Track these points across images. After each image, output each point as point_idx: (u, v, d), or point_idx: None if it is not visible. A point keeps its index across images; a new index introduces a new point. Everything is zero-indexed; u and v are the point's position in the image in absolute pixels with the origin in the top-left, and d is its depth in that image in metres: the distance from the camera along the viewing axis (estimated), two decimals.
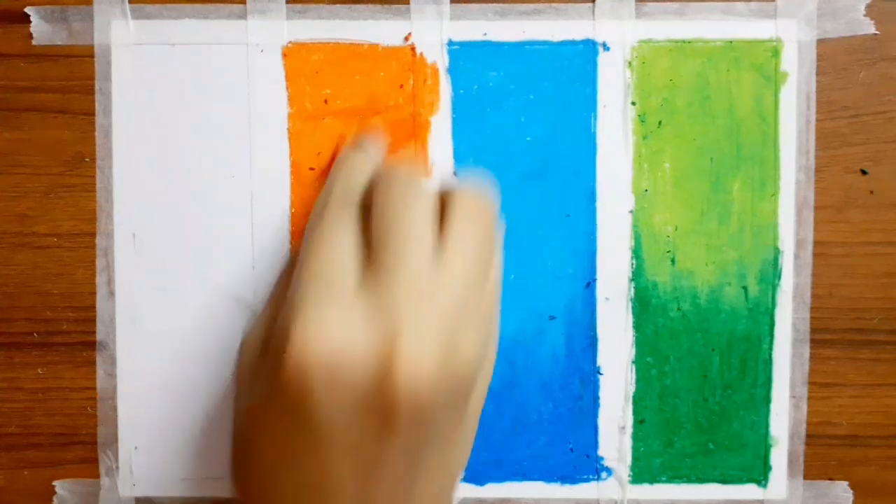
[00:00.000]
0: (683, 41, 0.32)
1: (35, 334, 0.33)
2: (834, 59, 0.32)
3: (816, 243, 0.32)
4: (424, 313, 0.22)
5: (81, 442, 0.33)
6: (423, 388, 0.21)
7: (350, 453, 0.22)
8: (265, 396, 0.23)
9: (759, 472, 0.32)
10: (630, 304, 0.32)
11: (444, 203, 0.25)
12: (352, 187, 0.26)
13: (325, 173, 0.32)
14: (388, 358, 0.21)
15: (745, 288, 0.32)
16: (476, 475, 0.33)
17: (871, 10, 0.31)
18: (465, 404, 0.24)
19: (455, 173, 0.32)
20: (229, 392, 0.32)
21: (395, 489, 0.22)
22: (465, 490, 0.33)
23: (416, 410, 0.21)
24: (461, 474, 0.26)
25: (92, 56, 0.32)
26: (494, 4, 0.32)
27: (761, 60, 0.32)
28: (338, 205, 0.25)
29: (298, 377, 0.21)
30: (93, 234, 0.32)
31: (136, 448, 0.33)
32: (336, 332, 0.21)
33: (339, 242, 0.24)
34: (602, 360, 0.32)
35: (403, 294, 0.22)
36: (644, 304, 0.32)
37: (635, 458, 0.33)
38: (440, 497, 0.25)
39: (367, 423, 0.21)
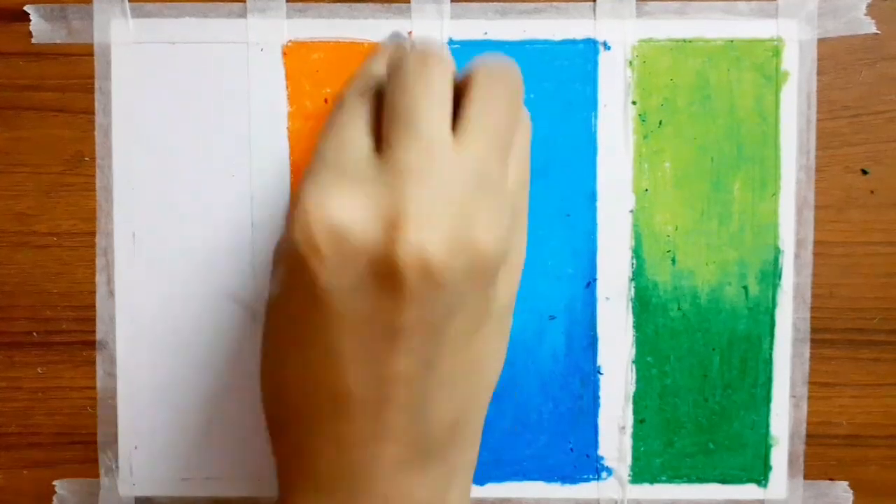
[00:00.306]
0: (684, 40, 0.32)
1: (35, 334, 0.33)
2: (835, 58, 0.32)
3: (817, 243, 0.32)
4: (434, 188, 0.21)
5: (81, 442, 0.33)
6: (431, 259, 0.20)
7: (360, 326, 0.21)
8: (280, 280, 0.22)
9: (759, 472, 0.32)
10: (630, 304, 0.32)
11: (465, 83, 0.24)
12: (371, 75, 0.25)
13: None
14: (395, 228, 0.20)
15: (745, 288, 0.32)
16: (476, 475, 0.33)
17: (871, 10, 0.31)
18: (488, 292, 0.23)
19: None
20: (229, 392, 0.32)
21: (415, 369, 0.21)
22: None
23: (426, 281, 0.20)
24: (492, 386, 0.25)
25: (91, 55, 0.32)
26: (495, 3, 0.32)
27: (762, 60, 0.32)
28: (356, 91, 0.24)
29: (304, 246, 0.20)
30: (92, 234, 0.32)
31: (135, 448, 0.33)
32: (344, 202, 0.20)
33: (352, 124, 0.23)
34: (602, 359, 0.32)
35: (413, 168, 0.21)
36: (644, 303, 0.32)
37: (635, 458, 0.33)
38: (468, 402, 0.23)
39: (375, 293, 0.20)
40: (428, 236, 0.20)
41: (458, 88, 0.24)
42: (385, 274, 0.20)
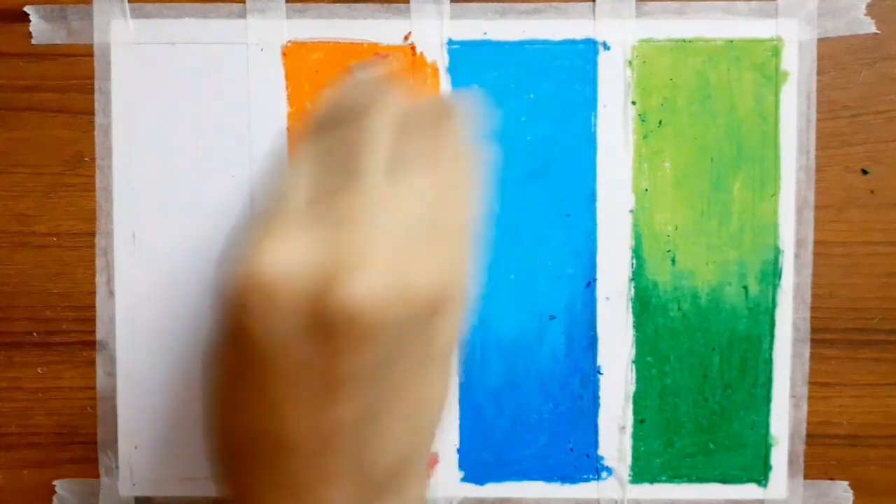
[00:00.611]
0: (684, 40, 0.32)
1: (35, 334, 0.33)
2: (834, 58, 0.32)
3: (817, 243, 0.32)
4: (367, 234, 0.20)
5: (81, 442, 0.33)
6: (369, 301, 0.19)
7: (298, 380, 0.20)
8: (213, 331, 0.22)
9: (759, 472, 0.32)
10: (630, 304, 0.32)
11: (406, 119, 0.23)
12: (325, 112, 0.25)
13: None
14: (326, 277, 0.19)
15: (745, 287, 0.32)
16: (476, 475, 0.33)
17: (871, 10, 0.31)
18: (429, 335, 0.22)
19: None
20: None
21: (356, 415, 0.21)
22: (465, 490, 0.33)
23: (361, 332, 0.20)
24: (439, 421, 0.24)
25: (91, 55, 0.32)
26: (494, 4, 0.32)
27: (762, 60, 0.32)
28: (308, 131, 0.24)
29: (234, 300, 0.20)
30: (92, 234, 0.32)
31: (135, 448, 0.33)
32: (273, 255, 0.20)
33: (297, 164, 0.22)
34: (602, 359, 0.32)
35: (349, 206, 0.20)
36: (644, 303, 0.32)
37: (635, 458, 0.33)
38: (414, 439, 0.23)
39: (310, 344, 0.20)
40: (361, 288, 0.19)
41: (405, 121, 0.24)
42: (318, 325, 0.20)
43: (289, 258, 0.20)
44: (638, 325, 0.32)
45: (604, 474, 0.33)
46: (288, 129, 0.32)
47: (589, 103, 0.32)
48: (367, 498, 0.22)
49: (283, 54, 0.32)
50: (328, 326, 0.20)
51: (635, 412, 0.32)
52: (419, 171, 0.22)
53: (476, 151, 0.25)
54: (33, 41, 0.32)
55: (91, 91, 0.32)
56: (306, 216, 0.21)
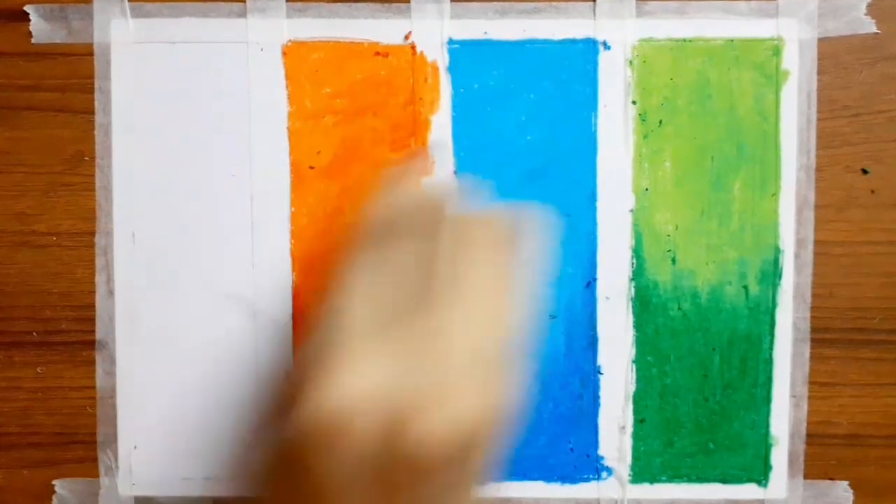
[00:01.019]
0: (684, 40, 0.32)
1: (34, 333, 0.33)
2: (835, 57, 0.32)
3: (817, 243, 0.32)
4: (440, 362, 0.21)
5: (81, 441, 0.33)
6: (436, 442, 0.20)
7: None
8: (279, 450, 0.23)
9: (759, 472, 0.32)
10: (630, 304, 0.32)
11: (463, 231, 0.24)
12: (378, 230, 0.25)
13: (325, 172, 0.32)
14: (401, 413, 0.20)
15: (745, 287, 0.32)
16: None
17: (872, 9, 0.31)
18: (473, 459, 0.23)
19: (455, 172, 0.32)
20: (229, 391, 0.32)
21: None
22: None
23: (428, 465, 0.21)
24: None
25: (91, 55, 0.32)
26: (495, 3, 0.32)
27: (762, 59, 0.32)
28: (364, 249, 0.24)
29: (306, 437, 0.21)
30: (92, 233, 0.32)
31: (135, 447, 0.33)
32: (348, 387, 0.21)
33: (354, 284, 0.23)
34: (602, 359, 0.32)
35: (420, 336, 0.21)
36: (644, 303, 0.32)
37: (635, 458, 0.33)
38: None
39: (374, 481, 0.21)
40: (430, 427, 0.20)
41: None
42: (386, 464, 0.20)
43: (361, 395, 0.21)
44: (638, 325, 0.32)
45: (604, 474, 0.33)
46: (288, 129, 0.32)
47: (589, 103, 0.32)
48: None
49: (284, 54, 0.32)
50: (395, 466, 0.20)
51: (635, 412, 0.32)
52: (481, 295, 0.22)
53: (528, 270, 0.25)
54: (33, 40, 0.32)
55: (91, 90, 0.32)
56: (374, 345, 0.22)
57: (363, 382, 0.21)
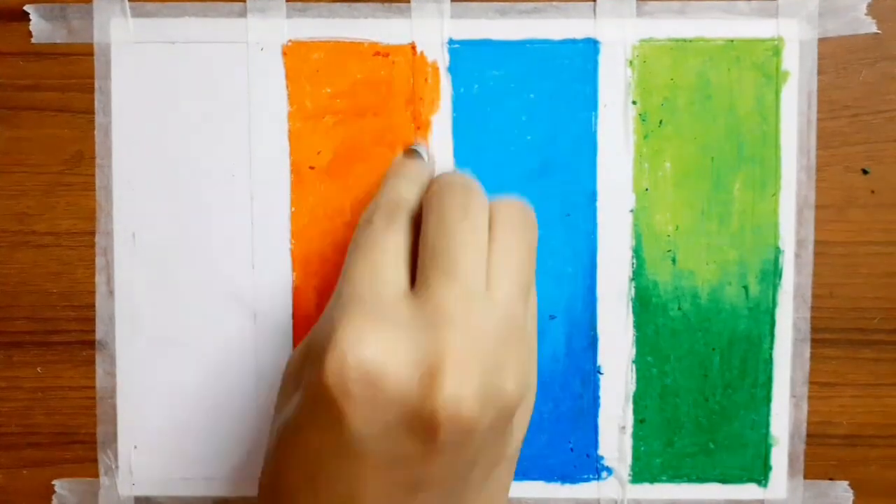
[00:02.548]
0: (684, 40, 0.32)
1: (35, 333, 0.33)
2: (835, 58, 0.32)
3: (817, 243, 0.32)
4: (471, 337, 0.21)
5: (81, 441, 0.33)
6: (466, 413, 0.20)
7: (386, 472, 0.21)
8: (300, 411, 0.22)
9: (759, 472, 0.32)
10: (630, 304, 0.32)
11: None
12: (402, 195, 0.25)
13: (325, 172, 0.32)
14: (433, 378, 0.20)
15: (745, 287, 0.32)
16: None
17: (872, 9, 0.31)
18: (508, 432, 0.23)
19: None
20: (229, 391, 0.32)
21: None
22: None
23: (459, 434, 0.20)
24: (506, 502, 0.25)
25: (91, 54, 0.32)
26: (495, 3, 0.32)
27: (762, 59, 0.32)
28: (387, 212, 0.24)
29: (336, 388, 0.20)
30: (92, 233, 0.32)
31: (135, 447, 0.33)
32: (379, 345, 0.20)
33: (386, 250, 0.22)
34: (602, 359, 0.32)
35: (452, 316, 0.21)
36: (644, 303, 0.32)
37: (635, 458, 0.33)
38: None
39: (405, 442, 0.20)
40: (464, 390, 0.20)
41: None
42: (419, 426, 0.20)
43: (393, 354, 0.20)
44: (638, 325, 0.32)
45: (604, 474, 0.33)
46: (288, 129, 0.32)
47: (589, 103, 0.32)
48: None
49: (284, 54, 0.32)
50: (429, 428, 0.20)
51: (635, 412, 0.32)
52: (506, 274, 0.22)
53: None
54: (33, 40, 0.32)
55: (91, 90, 0.32)
56: (406, 309, 0.21)
57: (394, 340, 0.20)
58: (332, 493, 0.21)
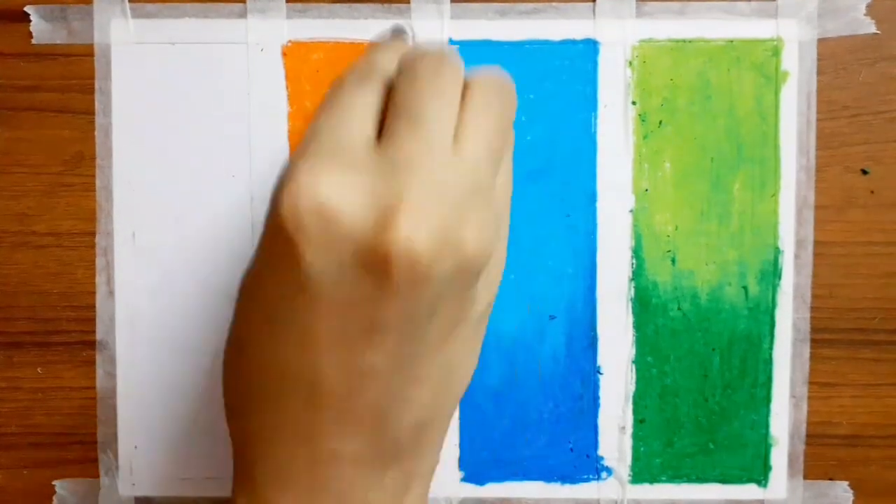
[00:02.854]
0: (684, 41, 0.32)
1: (35, 333, 0.33)
2: (834, 58, 0.32)
3: (817, 243, 0.32)
4: (431, 185, 0.20)
5: (81, 441, 0.33)
6: (421, 254, 0.19)
7: (341, 313, 0.20)
8: (258, 254, 0.22)
9: (759, 472, 0.32)
10: (630, 304, 0.32)
11: (463, 87, 0.23)
12: (377, 65, 0.24)
13: None
14: (388, 218, 0.19)
15: (745, 288, 0.32)
16: (476, 475, 0.33)
17: (871, 10, 0.31)
18: (469, 294, 0.23)
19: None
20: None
21: (389, 364, 0.21)
22: (465, 490, 0.33)
23: (413, 275, 0.20)
24: (462, 391, 0.24)
25: (92, 55, 0.32)
26: (495, 3, 0.32)
27: (762, 60, 0.32)
28: (361, 74, 0.23)
29: (291, 223, 0.20)
30: (92, 234, 0.32)
31: (135, 448, 0.33)
32: (337, 185, 0.20)
33: (354, 109, 0.22)
34: (602, 359, 0.32)
35: (413, 162, 0.20)
36: (644, 303, 0.32)
37: (635, 458, 0.33)
38: (437, 404, 0.23)
39: (360, 282, 0.20)
40: (419, 231, 0.20)
41: None
42: (372, 264, 0.20)
43: (350, 193, 0.20)
44: (638, 325, 0.32)
45: (604, 474, 0.33)
46: (288, 129, 0.32)
47: (589, 103, 0.32)
48: (379, 458, 0.22)
49: (284, 54, 0.32)
50: (382, 266, 0.20)
51: (635, 412, 0.32)
52: (476, 136, 0.22)
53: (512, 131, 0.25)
54: (33, 41, 0.32)
55: (91, 91, 0.32)
56: (367, 156, 0.21)
57: (353, 180, 0.20)
58: (289, 336, 0.21)
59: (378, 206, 0.20)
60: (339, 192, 0.20)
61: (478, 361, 0.25)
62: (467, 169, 0.22)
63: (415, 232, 0.19)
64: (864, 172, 0.32)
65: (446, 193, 0.21)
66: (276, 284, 0.21)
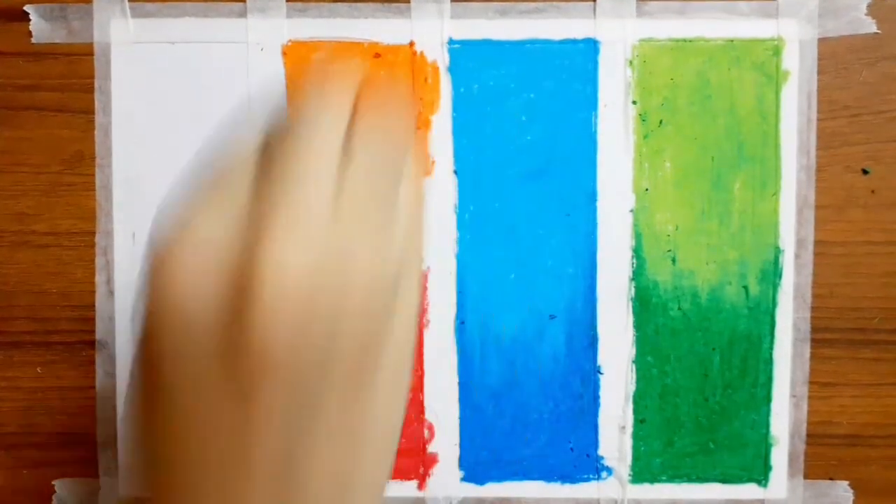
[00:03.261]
0: (684, 40, 0.32)
1: (34, 333, 0.33)
2: (835, 57, 0.32)
3: (817, 243, 0.32)
4: (302, 219, 0.17)
5: (81, 442, 0.33)
6: (291, 289, 0.16)
7: (204, 420, 0.18)
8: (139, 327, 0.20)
9: (759, 472, 0.32)
10: (630, 304, 0.32)
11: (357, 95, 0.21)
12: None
13: None
14: (249, 266, 0.17)
15: (745, 287, 0.32)
16: (476, 475, 0.33)
17: (872, 10, 0.31)
18: (378, 336, 0.19)
19: (455, 172, 0.32)
20: None
21: (277, 448, 0.18)
22: (465, 490, 0.33)
23: (279, 357, 0.17)
24: (393, 428, 0.21)
25: (91, 54, 0.32)
26: (495, 3, 0.32)
27: (762, 59, 0.32)
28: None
29: (149, 330, 0.18)
30: (92, 233, 0.32)
31: None
32: (199, 245, 0.18)
33: (238, 149, 0.20)
34: (602, 359, 0.32)
35: (284, 200, 0.18)
36: (644, 303, 0.32)
37: (635, 458, 0.32)
38: (359, 458, 0.20)
39: (217, 370, 0.17)
40: (282, 279, 0.17)
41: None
42: (230, 344, 0.17)
43: (211, 242, 0.18)
44: (638, 325, 0.32)
45: (604, 474, 0.33)
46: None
47: (589, 103, 0.32)
48: None
49: (284, 54, 0.32)
50: (239, 343, 0.17)
51: (635, 412, 0.32)
52: (363, 161, 0.19)
53: (413, 127, 0.22)
54: (33, 40, 0.32)
55: (91, 90, 0.32)
56: (242, 206, 0.19)
57: (216, 230, 0.18)
58: (169, 423, 0.19)
59: (239, 255, 0.18)
60: (200, 256, 0.18)
61: (405, 402, 0.21)
62: (352, 183, 0.19)
63: (272, 272, 0.17)
64: (865, 172, 0.32)
65: (324, 227, 0.18)
66: (143, 393, 0.19)
